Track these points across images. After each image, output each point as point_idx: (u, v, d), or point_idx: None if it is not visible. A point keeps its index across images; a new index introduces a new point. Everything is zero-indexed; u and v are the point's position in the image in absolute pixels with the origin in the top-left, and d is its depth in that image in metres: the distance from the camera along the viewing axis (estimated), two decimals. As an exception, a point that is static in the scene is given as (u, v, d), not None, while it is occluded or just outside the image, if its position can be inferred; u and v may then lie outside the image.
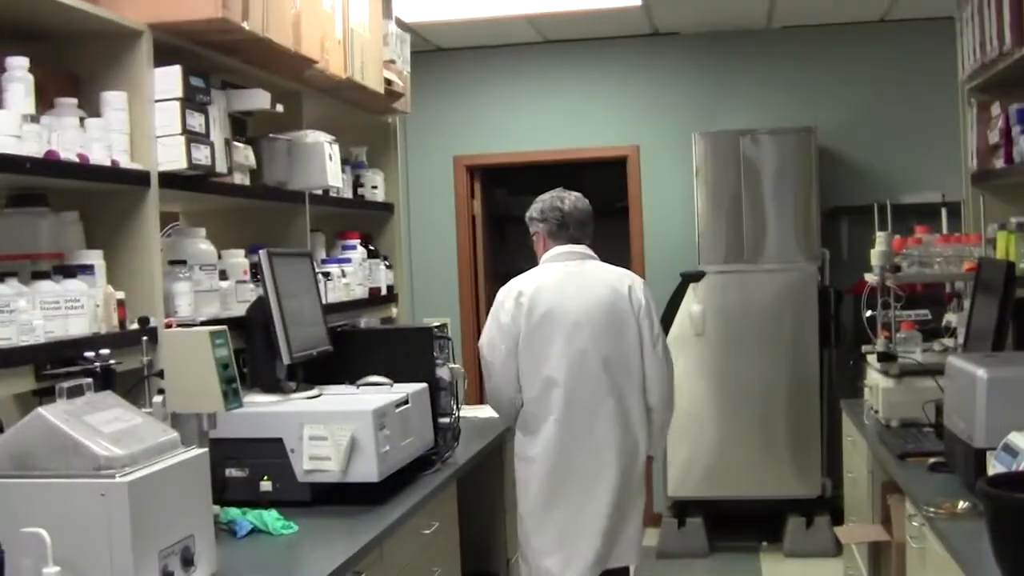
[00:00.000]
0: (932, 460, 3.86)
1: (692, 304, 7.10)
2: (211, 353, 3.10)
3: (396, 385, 4.07)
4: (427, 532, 3.84)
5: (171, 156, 3.49)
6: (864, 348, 5.28)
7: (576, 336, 4.42)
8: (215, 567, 2.76)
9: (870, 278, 5.12)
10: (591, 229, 4.71)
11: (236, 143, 4.01)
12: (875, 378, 4.88)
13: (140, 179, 3.42)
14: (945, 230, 5.63)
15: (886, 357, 4.79)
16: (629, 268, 7.83)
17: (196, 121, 3.57)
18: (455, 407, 4.40)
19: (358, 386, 4.08)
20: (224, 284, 3.97)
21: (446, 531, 4.13)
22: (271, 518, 3.32)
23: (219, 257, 4.08)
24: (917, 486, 3.64)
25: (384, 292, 5.44)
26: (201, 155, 3.58)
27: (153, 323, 3.38)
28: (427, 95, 7.47)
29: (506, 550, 5.01)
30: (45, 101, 3.17)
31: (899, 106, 7.54)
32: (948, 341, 5.08)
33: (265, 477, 3.57)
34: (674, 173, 7.70)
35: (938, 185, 6.72)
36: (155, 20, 3.47)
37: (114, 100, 3.38)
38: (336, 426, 3.54)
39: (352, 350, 4.35)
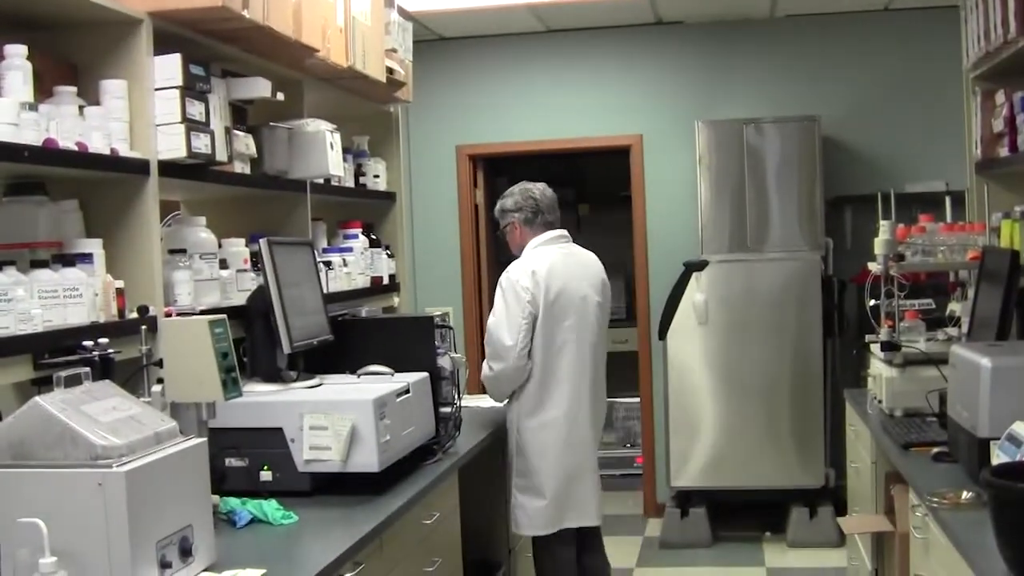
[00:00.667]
0: (936, 450, 3.85)
1: (695, 293, 7.09)
2: (211, 342, 3.09)
3: (397, 374, 4.06)
4: (428, 522, 3.83)
5: (171, 144, 3.48)
6: (867, 337, 5.26)
7: (583, 311, 4.83)
8: (214, 557, 2.75)
9: (874, 267, 5.10)
10: (560, 214, 5.08)
11: (236, 132, 3.99)
12: (879, 367, 4.87)
13: (140, 167, 3.41)
14: (949, 219, 5.62)
15: (890, 346, 4.77)
16: (632, 257, 7.95)
17: (196, 109, 3.55)
18: (456, 396, 4.40)
19: (359, 375, 4.07)
20: (224, 273, 3.96)
21: (447, 521, 4.12)
22: (271, 508, 3.31)
23: (219, 246, 4.07)
24: (921, 476, 3.63)
25: (386, 281, 5.43)
26: (201, 143, 3.56)
27: (152, 312, 3.37)
28: (429, 84, 7.45)
29: (508, 540, 5.00)
30: (44, 89, 3.16)
31: (903, 95, 7.52)
32: (952, 330, 5.07)
33: (265, 467, 3.56)
34: (677, 162, 7.69)
35: (942, 174, 6.72)
36: (155, 8, 3.45)
37: (113, 88, 3.37)
38: (336, 416, 3.53)
39: (353, 339, 4.34)
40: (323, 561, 2.88)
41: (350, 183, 5.23)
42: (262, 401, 3.65)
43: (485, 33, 7.91)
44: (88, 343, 3.03)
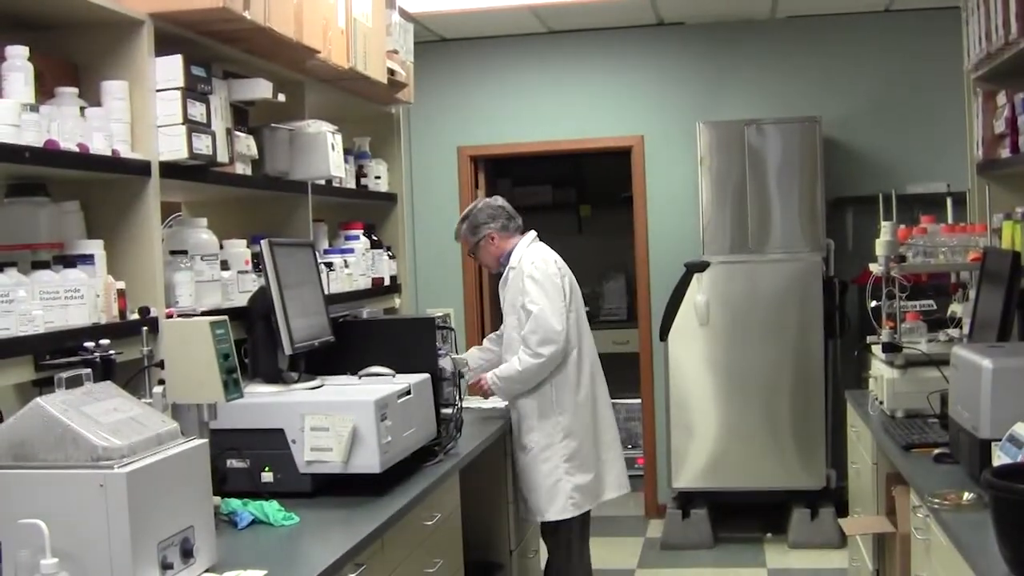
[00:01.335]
0: (937, 451, 3.85)
1: (696, 295, 7.09)
2: (212, 343, 3.09)
3: (398, 376, 4.06)
4: (429, 523, 3.83)
5: (172, 146, 3.48)
6: (869, 339, 5.26)
7: (581, 300, 5.21)
8: (215, 558, 2.76)
9: (875, 268, 5.10)
10: None
11: (238, 133, 3.99)
12: (880, 369, 4.86)
13: (141, 169, 3.41)
14: (950, 220, 5.61)
15: (891, 348, 4.77)
16: (634, 258, 7.95)
17: (197, 111, 3.56)
18: (458, 398, 4.40)
19: (360, 377, 4.07)
20: (225, 274, 3.96)
21: (448, 522, 4.12)
22: (272, 509, 3.31)
23: (220, 247, 4.06)
24: (922, 477, 3.63)
25: (387, 282, 5.43)
26: (202, 145, 3.56)
27: (154, 313, 3.37)
28: (431, 85, 7.46)
29: (509, 541, 5.00)
30: (45, 90, 3.16)
31: (904, 96, 7.52)
32: (953, 331, 5.07)
33: (266, 468, 3.56)
34: (678, 163, 7.69)
35: (943, 175, 6.71)
36: (156, 9, 3.45)
37: (115, 89, 3.37)
38: (337, 417, 3.53)
39: (354, 340, 4.35)
40: (324, 562, 2.88)
41: (351, 184, 5.23)
42: (263, 402, 3.65)
43: (486, 34, 7.91)
44: (89, 344, 3.03)
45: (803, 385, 7.01)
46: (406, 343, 4.33)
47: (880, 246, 4.98)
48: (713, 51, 7.76)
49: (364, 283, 5.14)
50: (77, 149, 3.09)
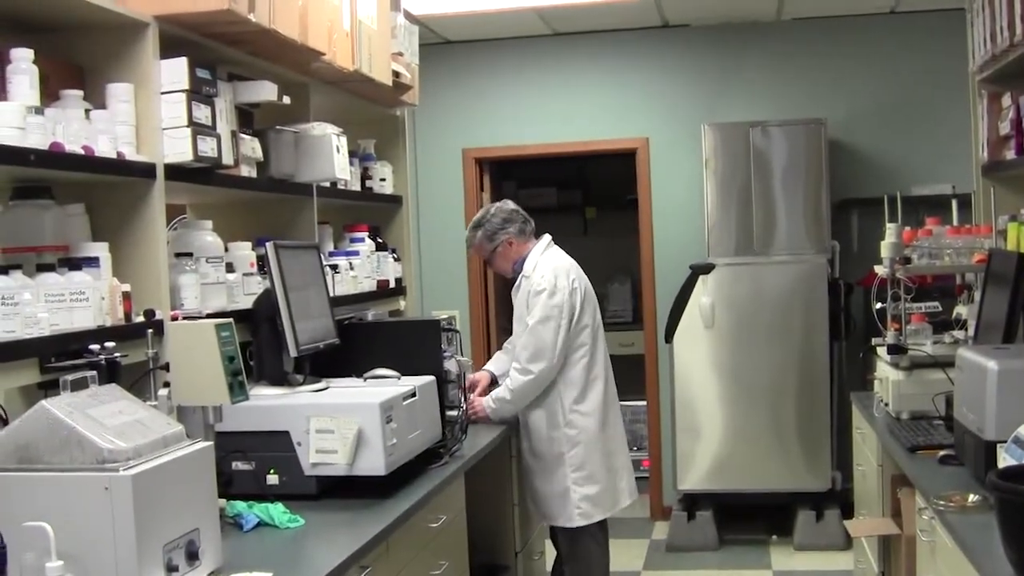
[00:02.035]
0: (942, 453, 3.85)
1: (701, 297, 7.09)
2: (217, 346, 3.09)
3: (403, 378, 4.05)
4: (434, 525, 3.83)
5: (177, 148, 3.48)
6: (874, 340, 5.26)
7: (596, 304, 5.16)
8: (220, 561, 2.76)
9: (880, 270, 5.10)
10: None
11: (243, 135, 3.99)
12: (885, 370, 4.86)
13: (146, 171, 3.41)
14: (956, 222, 5.60)
15: (896, 349, 4.77)
16: (639, 260, 7.95)
17: (202, 113, 3.56)
18: (463, 400, 4.39)
19: (365, 379, 4.07)
20: (231, 277, 3.96)
21: (454, 524, 4.12)
22: (277, 511, 3.31)
23: (226, 249, 4.06)
24: (927, 479, 3.62)
25: (392, 285, 5.43)
26: (207, 147, 3.56)
27: (159, 316, 3.37)
28: (436, 88, 7.46)
29: (515, 543, 5.00)
30: (50, 93, 3.16)
31: (909, 98, 7.52)
32: (958, 333, 5.06)
33: (271, 470, 3.57)
34: (684, 165, 7.69)
35: (949, 177, 6.71)
36: (161, 12, 3.45)
37: (120, 92, 3.37)
38: (343, 419, 3.53)
39: (359, 343, 4.35)
40: (330, 564, 2.88)
41: (356, 186, 5.23)
42: (268, 405, 3.66)
43: (491, 36, 7.92)
44: (94, 347, 3.02)
45: (808, 387, 7.00)
46: (411, 345, 4.33)
47: (885, 248, 4.98)
48: (718, 53, 7.76)
49: (369, 285, 5.13)
50: (82, 152, 3.09)
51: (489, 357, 5.72)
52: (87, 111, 3.20)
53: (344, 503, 3.53)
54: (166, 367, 3.19)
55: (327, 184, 4.66)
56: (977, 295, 4.79)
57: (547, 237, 5.19)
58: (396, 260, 5.54)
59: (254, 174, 4.10)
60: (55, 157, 2.97)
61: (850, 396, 5.67)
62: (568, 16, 7.45)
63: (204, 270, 3.77)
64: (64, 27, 3.40)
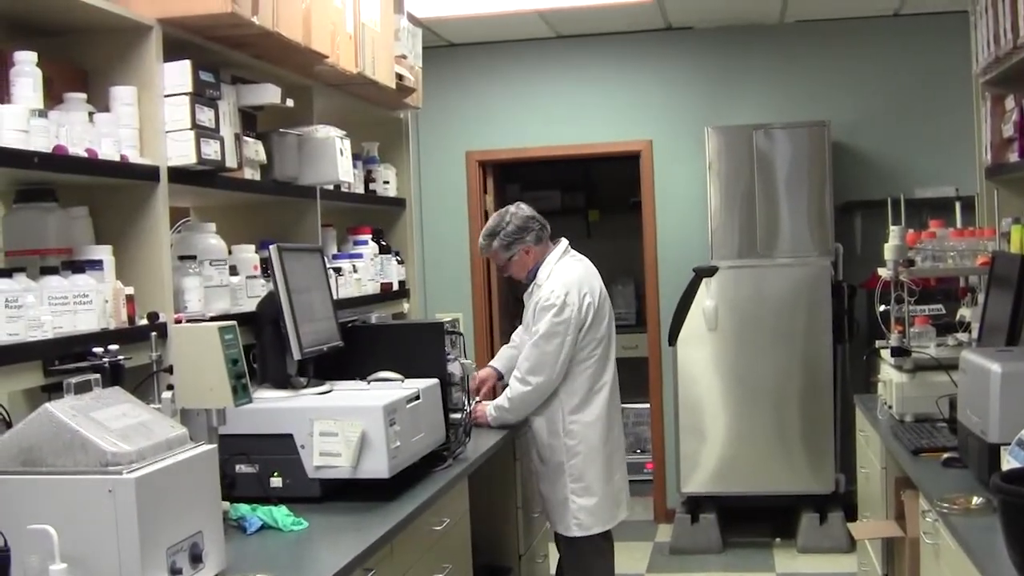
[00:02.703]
0: (946, 455, 3.84)
1: (705, 299, 7.09)
2: (221, 348, 3.09)
3: (407, 381, 4.05)
4: (438, 528, 3.83)
5: (181, 151, 3.48)
6: (877, 343, 5.25)
7: (610, 314, 5.12)
8: (224, 564, 2.76)
9: (883, 272, 5.09)
10: None
11: (246, 138, 4.00)
12: (889, 373, 4.86)
13: (149, 174, 3.41)
14: (959, 224, 5.60)
15: (900, 352, 4.77)
16: (642, 263, 7.95)
17: (206, 116, 3.56)
18: (466, 403, 4.40)
19: (369, 382, 4.06)
20: (234, 279, 3.96)
21: (457, 527, 4.12)
22: (281, 514, 3.31)
23: (229, 252, 4.06)
24: (931, 482, 3.62)
25: (395, 287, 5.43)
26: (211, 150, 3.57)
27: (162, 318, 3.37)
28: (439, 91, 7.47)
29: (518, 545, 5.00)
30: (54, 96, 3.16)
31: (913, 100, 7.52)
32: (962, 336, 5.06)
33: (275, 473, 3.57)
34: (687, 168, 7.69)
35: (952, 179, 6.71)
36: (164, 15, 3.45)
37: (123, 95, 3.37)
38: (346, 422, 3.53)
39: (363, 345, 4.34)
40: (333, 567, 2.88)
41: (360, 189, 5.23)
42: (272, 407, 3.66)
43: (495, 39, 7.92)
44: (98, 350, 3.02)
45: (812, 389, 7.00)
46: (415, 348, 4.32)
47: (889, 250, 4.98)
48: (722, 55, 7.76)
49: (373, 288, 5.13)
50: (86, 155, 3.09)
51: (491, 357, 5.72)
52: (91, 114, 3.20)
53: (348, 506, 3.53)
54: (169, 370, 3.19)
55: (330, 187, 4.66)
56: (981, 297, 4.79)
57: (564, 243, 5.14)
58: (400, 263, 5.54)
59: (257, 177, 4.11)
60: (59, 160, 2.98)
61: (854, 399, 5.67)
62: (571, 19, 7.46)
63: (208, 273, 3.77)
64: (68, 30, 3.40)
